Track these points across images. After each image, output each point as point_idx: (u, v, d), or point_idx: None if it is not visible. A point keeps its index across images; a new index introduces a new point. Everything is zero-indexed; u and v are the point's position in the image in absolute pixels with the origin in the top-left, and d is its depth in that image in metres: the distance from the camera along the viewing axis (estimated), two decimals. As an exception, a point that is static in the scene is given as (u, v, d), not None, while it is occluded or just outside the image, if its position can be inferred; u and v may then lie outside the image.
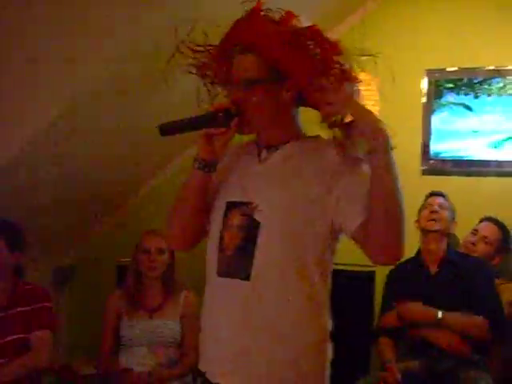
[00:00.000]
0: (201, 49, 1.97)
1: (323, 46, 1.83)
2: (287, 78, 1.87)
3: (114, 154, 3.81)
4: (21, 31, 2.87)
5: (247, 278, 1.84)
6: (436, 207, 3.51)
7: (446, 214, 3.52)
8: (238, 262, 1.87)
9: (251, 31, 1.86)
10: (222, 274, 1.91)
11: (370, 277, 3.89)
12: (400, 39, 4.14)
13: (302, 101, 1.94)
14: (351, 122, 1.77)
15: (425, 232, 3.54)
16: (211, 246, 1.97)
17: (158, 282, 3.56)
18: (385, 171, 1.74)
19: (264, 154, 1.96)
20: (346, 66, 1.83)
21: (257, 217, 1.87)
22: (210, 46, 1.98)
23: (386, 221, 1.75)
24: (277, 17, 1.89)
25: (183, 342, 3.51)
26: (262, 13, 1.89)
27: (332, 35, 4.24)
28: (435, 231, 3.49)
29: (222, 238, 1.92)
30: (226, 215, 1.93)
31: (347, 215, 1.83)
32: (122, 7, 2.83)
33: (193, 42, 1.96)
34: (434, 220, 3.49)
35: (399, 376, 3.18)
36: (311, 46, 1.82)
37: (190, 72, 1.99)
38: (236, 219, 1.90)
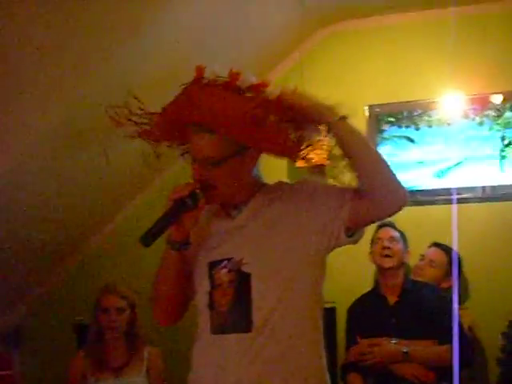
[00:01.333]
0: (140, 119, 1.94)
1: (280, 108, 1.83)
2: (249, 148, 1.88)
3: (61, 205, 3.77)
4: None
5: (249, 329, 1.84)
6: (386, 242, 3.55)
7: (398, 246, 3.57)
8: (235, 316, 1.87)
9: (203, 110, 1.82)
10: (216, 331, 1.90)
11: (330, 313, 3.90)
12: (340, 77, 4.25)
13: None
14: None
15: (378, 267, 3.60)
16: (201, 306, 1.96)
17: (121, 339, 3.51)
18: (348, 133, 1.81)
19: (234, 211, 1.97)
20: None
21: (244, 269, 1.87)
22: (152, 113, 1.95)
23: (375, 167, 1.81)
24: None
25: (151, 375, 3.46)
26: (206, 80, 1.85)
27: (268, 79, 4.36)
28: (390, 267, 3.54)
29: (211, 297, 1.92)
30: (210, 276, 1.93)
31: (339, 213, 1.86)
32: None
33: (130, 110, 1.92)
34: (387, 256, 3.54)
35: None
36: (270, 113, 1.82)
37: (133, 137, 1.97)
38: (224, 276, 1.90)
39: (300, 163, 3.82)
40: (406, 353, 3.28)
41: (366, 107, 4.13)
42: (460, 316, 3.43)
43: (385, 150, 4.08)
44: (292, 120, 1.83)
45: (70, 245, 4.38)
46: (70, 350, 3.78)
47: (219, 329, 1.90)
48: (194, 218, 1.90)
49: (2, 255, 3.77)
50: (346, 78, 4.22)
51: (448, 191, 3.96)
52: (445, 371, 3.27)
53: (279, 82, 4.28)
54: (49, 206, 3.72)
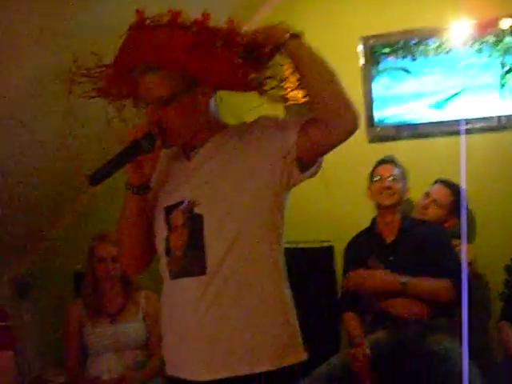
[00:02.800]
0: (93, 73, 1.92)
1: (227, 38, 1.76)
2: (200, 82, 1.84)
3: (55, 156, 3.72)
4: None
5: (202, 272, 1.82)
6: (388, 181, 3.47)
7: (399, 185, 3.49)
8: (189, 259, 1.85)
9: (146, 49, 1.79)
10: (174, 275, 1.89)
11: (327, 252, 3.87)
12: (331, 10, 4.09)
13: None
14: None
15: (378, 205, 3.52)
16: (160, 252, 1.94)
17: (117, 285, 3.52)
18: (300, 50, 1.74)
19: (191, 153, 1.94)
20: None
21: (197, 210, 1.84)
22: (103, 66, 1.92)
23: (325, 85, 1.74)
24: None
25: (150, 341, 3.48)
26: (148, 21, 1.80)
27: (261, 13, 4.23)
28: (389, 205, 3.47)
29: (168, 242, 1.90)
30: (167, 220, 1.91)
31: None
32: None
33: (83, 68, 1.90)
34: (387, 195, 3.46)
35: (368, 351, 3.16)
36: (216, 41, 1.75)
37: (92, 96, 1.94)
38: (178, 219, 1.88)
39: (292, 101, 3.75)
40: (404, 283, 3.23)
41: (360, 39, 3.97)
42: (459, 251, 3.39)
43: (381, 82, 3.96)
44: (245, 52, 1.75)
45: (68, 197, 4.36)
46: (71, 299, 3.78)
47: (176, 273, 1.88)
48: (152, 161, 1.87)
49: (6, 209, 3.77)
50: (337, 10, 4.08)
51: (445, 123, 3.86)
52: (441, 306, 3.25)
53: (269, 18, 4.16)
54: (46, 157, 3.69)
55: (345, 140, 1.77)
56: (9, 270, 4.41)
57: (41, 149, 3.55)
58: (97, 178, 1.77)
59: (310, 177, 1.87)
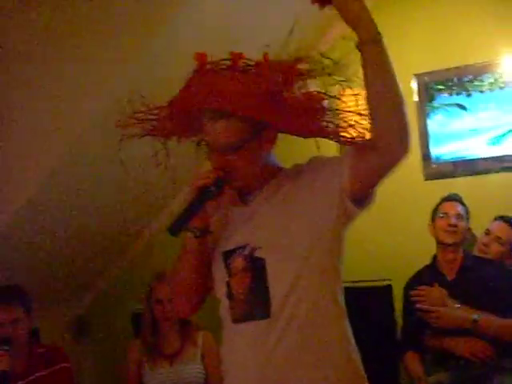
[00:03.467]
0: (148, 116, 1.94)
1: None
2: (265, 127, 1.83)
3: (114, 199, 3.80)
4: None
5: (266, 316, 1.82)
6: (454, 220, 3.41)
7: (463, 223, 3.43)
8: (253, 303, 1.85)
9: (215, 94, 1.78)
10: (237, 320, 1.89)
11: (386, 291, 3.82)
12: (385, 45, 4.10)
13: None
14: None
15: (440, 242, 3.47)
16: (220, 296, 1.94)
17: (175, 326, 3.52)
18: (375, 56, 1.71)
19: (248, 198, 1.94)
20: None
21: (258, 254, 1.85)
22: (158, 107, 1.94)
23: (393, 104, 1.70)
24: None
25: (208, 382, 3.46)
26: (210, 65, 1.81)
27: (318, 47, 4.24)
28: (452, 244, 3.42)
29: (229, 286, 1.90)
30: (226, 265, 1.91)
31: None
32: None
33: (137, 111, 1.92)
34: (452, 232, 3.41)
35: None
36: (280, 86, 1.76)
37: (142, 136, 1.97)
38: (239, 264, 1.88)
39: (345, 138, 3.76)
40: (475, 321, 3.15)
41: (414, 76, 3.98)
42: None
43: (436, 119, 3.95)
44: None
45: (127, 236, 4.42)
46: (129, 339, 3.80)
47: (239, 318, 1.87)
48: (216, 205, 1.88)
49: (66, 249, 3.83)
50: (391, 47, 4.06)
51: (503, 159, 3.81)
52: (506, 347, 3.16)
53: (325, 52, 4.18)
54: (105, 200, 3.77)
55: (395, 163, 1.73)
56: (68, 309, 4.46)
57: (102, 187, 3.62)
58: (175, 228, 1.80)
59: (364, 209, 1.85)
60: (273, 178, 1.93)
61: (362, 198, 1.83)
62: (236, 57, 1.79)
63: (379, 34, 1.71)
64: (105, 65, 2.97)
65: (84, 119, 3.12)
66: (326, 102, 1.81)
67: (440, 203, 3.53)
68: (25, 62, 3.05)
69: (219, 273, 1.93)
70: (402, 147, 1.72)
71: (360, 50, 1.71)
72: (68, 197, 3.48)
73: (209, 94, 1.79)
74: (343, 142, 1.82)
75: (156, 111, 1.94)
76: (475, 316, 3.16)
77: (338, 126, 1.81)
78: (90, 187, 3.56)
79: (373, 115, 1.72)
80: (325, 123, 1.81)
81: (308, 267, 1.82)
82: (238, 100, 1.75)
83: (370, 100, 1.71)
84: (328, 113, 1.81)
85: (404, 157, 1.72)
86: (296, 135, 1.94)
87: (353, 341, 1.90)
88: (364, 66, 1.71)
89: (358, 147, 1.77)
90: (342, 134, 1.84)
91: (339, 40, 4.14)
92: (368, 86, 1.70)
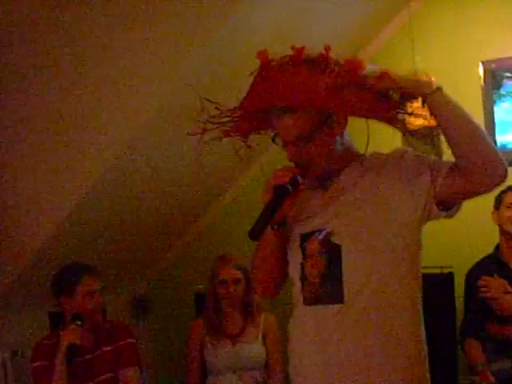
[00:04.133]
0: (220, 119, 1.95)
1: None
2: (333, 113, 1.85)
3: (181, 176, 3.87)
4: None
5: (340, 301, 1.84)
6: None
7: None
8: (326, 288, 1.87)
9: (281, 92, 1.80)
10: (309, 302, 1.91)
11: (448, 278, 3.80)
12: (451, 34, 4.08)
13: None
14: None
15: (505, 232, 3.44)
16: (293, 277, 1.97)
17: (238, 307, 3.58)
18: (443, 105, 1.73)
19: (327, 183, 1.95)
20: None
21: (335, 240, 1.86)
22: (231, 110, 1.95)
23: (472, 140, 1.72)
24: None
25: (269, 363, 3.51)
26: (273, 62, 1.83)
27: (379, 41, 4.24)
28: None
29: (303, 268, 1.93)
30: (302, 247, 1.93)
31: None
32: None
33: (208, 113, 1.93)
34: None
35: (493, 379, 3.08)
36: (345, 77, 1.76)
37: (221, 138, 1.98)
38: (314, 247, 1.90)
39: (412, 126, 3.74)
40: None
41: (481, 63, 3.93)
42: None
43: (503, 107, 3.91)
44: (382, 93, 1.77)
45: (190, 217, 4.49)
46: (190, 318, 3.88)
47: (311, 300, 1.90)
48: (294, 201, 1.89)
49: (129, 230, 3.93)
50: (458, 34, 4.06)
51: None
52: None
53: (388, 42, 4.18)
54: (165, 182, 3.84)
55: (490, 191, 1.76)
56: (130, 288, 4.56)
57: (165, 170, 3.70)
58: (256, 233, 1.82)
59: (449, 217, 1.87)
60: (351, 163, 1.93)
61: (448, 204, 1.83)
62: (299, 50, 1.81)
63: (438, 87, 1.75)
64: (168, 56, 3.04)
65: (148, 108, 3.18)
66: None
67: (505, 192, 3.48)
68: (92, 50, 3.14)
69: (295, 254, 1.96)
70: (495, 176, 1.73)
71: (427, 105, 1.74)
72: (131, 181, 3.56)
73: (275, 91, 1.81)
74: (410, 131, 1.84)
75: (228, 113, 1.96)
76: None
77: (406, 112, 1.82)
78: (154, 170, 3.64)
79: (455, 151, 1.74)
80: (393, 112, 1.81)
81: (386, 261, 1.83)
82: (304, 94, 1.77)
83: (450, 141, 1.74)
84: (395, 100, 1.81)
85: (499, 182, 1.74)
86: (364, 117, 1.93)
87: (424, 342, 1.89)
88: (435, 116, 1.75)
89: (455, 165, 1.77)
90: (407, 123, 1.85)
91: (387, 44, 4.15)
92: (445, 130, 1.75)
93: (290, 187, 1.84)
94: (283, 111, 1.83)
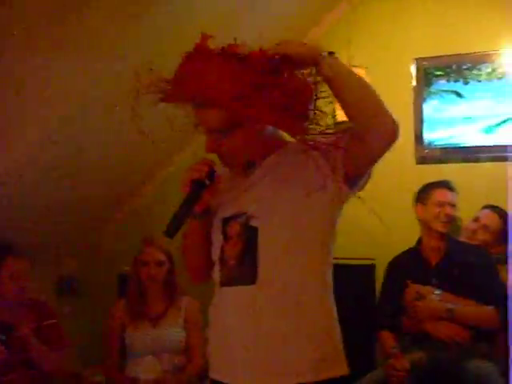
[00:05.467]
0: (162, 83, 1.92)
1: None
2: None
3: (108, 155, 3.82)
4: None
5: (253, 281, 1.86)
6: (449, 210, 3.45)
7: (456, 213, 3.49)
8: (241, 269, 1.90)
9: (199, 88, 1.77)
10: (224, 283, 1.94)
11: (369, 270, 3.87)
12: (388, 30, 4.13)
13: None
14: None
15: (430, 229, 3.50)
16: (214, 260, 2.00)
17: (160, 289, 3.57)
18: (336, 67, 1.75)
19: (249, 169, 1.98)
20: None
21: (253, 223, 1.89)
22: (165, 80, 1.92)
23: (364, 100, 1.76)
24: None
25: (188, 348, 3.52)
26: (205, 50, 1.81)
27: (315, 33, 4.26)
28: (444, 233, 3.47)
29: (223, 251, 1.95)
30: (224, 231, 1.96)
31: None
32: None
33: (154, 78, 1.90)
34: (446, 223, 3.45)
35: (407, 364, 3.15)
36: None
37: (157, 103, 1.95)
38: (234, 230, 1.93)
39: (341, 118, 3.78)
40: (451, 310, 3.23)
41: (414, 60, 4.00)
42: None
43: (432, 104, 3.98)
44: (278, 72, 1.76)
45: (116, 200, 4.46)
46: (114, 299, 3.85)
47: (227, 281, 1.93)
48: (213, 192, 1.92)
49: (57, 209, 3.85)
50: (393, 31, 4.11)
51: (494, 149, 3.85)
52: (482, 332, 3.23)
53: (325, 36, 4.20)
54: (93, 162, 3.78)
55: (385, 150, 1.79)
56: (55, 267, 4.48)
57: (96, 150, 3.65)
58: (172, 230, 1.83)
59: (359, 190, 1.91)
60: (276, 151, 1.96)
61: (356, 179, 1.87)
62: (231, 46, 1.79)
63: (331, 52, 1.78)
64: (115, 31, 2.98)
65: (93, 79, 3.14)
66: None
67: (431, 188, 3.54)
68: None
69: (216, 237, 1.99)
70: (388, 132, 1.77)
71: (321, 72, 1.76)
72: (62, 158, 3.49)
73: (195, 85, 1.79)
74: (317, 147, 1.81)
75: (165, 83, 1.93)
76: (450, 306, 3.24)
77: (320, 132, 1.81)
78: (82, 149, 3.57)
79: (349, 113, 1.77)
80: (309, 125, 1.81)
81: (298, 240, 1.87)
82: (223, 91, 1.74)
83: (341, 102, 1.76)
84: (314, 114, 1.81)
85: (392, 139, 1.76)
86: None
87: (336, 318, 1.94)
88: (327, 81, 1.76)
89: (351, 134, 1.80)
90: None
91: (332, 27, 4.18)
92: (335, 92, 1.76)
93: (206, 181, 1.86)
94: (201, 105, 1.82)
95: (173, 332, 3.49)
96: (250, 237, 1.89)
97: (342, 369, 1.93)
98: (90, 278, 4.59)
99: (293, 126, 1.79)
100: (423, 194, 3.54)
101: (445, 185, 3.52)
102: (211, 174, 1.88)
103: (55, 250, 4.19)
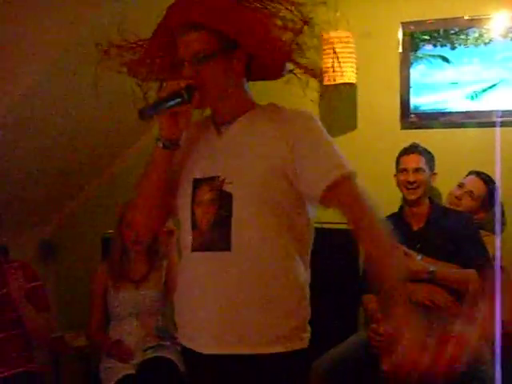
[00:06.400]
0: (131, 45, 1.98)
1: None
2: (236, 48, 1.89)
3: (90, 118, 3.76)
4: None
5: (227, 248, 1.86)
6: (412, 175, 3.45)
7: (423, 176, 3.47)
8: (215, 235, 1.88)
9: (194, 8, 1.84)
10: (197, 248, 1.92)
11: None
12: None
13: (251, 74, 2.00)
14: None
15: (404, 197, 3.52)
16: (184, 224, 1.97)
17: (143, 253, 3.56)
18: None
19: (222, 128, 1.97)
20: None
21: (226, 189, 1.88)
22: (141, 40, 1.99)
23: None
24: None
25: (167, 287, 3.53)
26: None
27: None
28: (414, 200, 3.47)
29: (193, 215, 1.93)
30: (194, 193, 1.94)
31: (310, 184, 1.88)
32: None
33: (121, 40, 1.96)
34: (411, 189, 3.45)
35: (388, 328, 3.16)
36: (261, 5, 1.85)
37: (121, 71, 2.00)
38: (206, 195, 1.91)
39: (328, 81, 3.75)
40: (432, 272, 3.23)
41: (400, 25, 3.96)
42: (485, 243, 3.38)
43: (419, 69, 3.95)
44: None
45: (99, 161, 4.41)
46: (98, 262, 3.83)
47: (199, 247, 1.91)
48: (187, 117, 1.90)
49: (35, 172, 3.81)
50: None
51: (480, 114, 3.84)
52: (463, 295, 3.25)
53: (312, 1, 4.13)
54: (76, 124, 3.73)
55: None
56: (35, 231, 4.47)
57: (75, 111, 3.58)
58: (145, 113, 1.83)
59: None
60: (247, 112, 1.97)
61: None
62: None
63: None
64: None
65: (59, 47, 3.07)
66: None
67: (400, 155, 3.56)
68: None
69: (184, 198, 1.96)
70: None
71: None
72: (40, 119, 3.44)
73: (185, 8, 1.85)
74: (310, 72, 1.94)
75: (137, 45, 1.97)
76: (432, 268, 3.24)
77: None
78: (62, 111, 3.52)
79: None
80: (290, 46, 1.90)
81: (266, 210, 1.87)
82: (207, 12, 1.82)
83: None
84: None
85: None
86: (264, 64, 1.98)
87: (307, 288, 1.96)
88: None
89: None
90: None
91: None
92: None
93: (184, 93, 1.84)
94: (188, 29, 1.85)
95: (154, 294, 3.49)
96: (223, 203, 1.87)
97: (302, 342, 1.94)
98: (73, 241, 4.57)
99: (278, 49, 1.87)
100: (396, 163, 3.57)
101: (409, 150, 3.53)
102: (190, 91, 1.85)
103: (36, 213, 4.17)
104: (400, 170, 3.53)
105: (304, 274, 1.95)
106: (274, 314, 1.87)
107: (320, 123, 1.95)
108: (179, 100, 1.83)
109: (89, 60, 3.14)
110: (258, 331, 1.86)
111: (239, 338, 1.86)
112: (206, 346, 1.91)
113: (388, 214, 3.62)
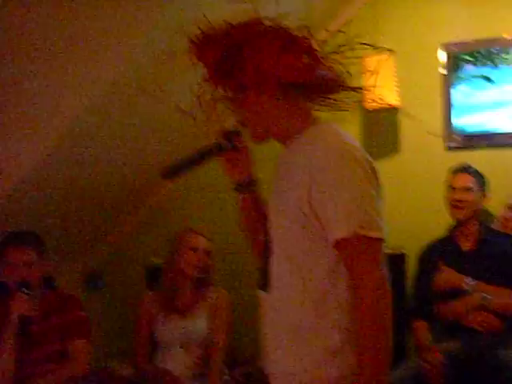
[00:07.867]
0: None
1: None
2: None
3: (138, 151, 3.80)
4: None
5: (266, 290, 1.84)
6: (459, 193, 3.41)
7: (471, 196, 3.41)
8: (261, 274, 1.88)
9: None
10: (258, 286, 1.92)
11: (399, 259, 3.81)
12: (414, 15, 4.06)
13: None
14: None
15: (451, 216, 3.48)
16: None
17: (192, 281, 3.55)
18: None
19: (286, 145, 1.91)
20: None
21: (270, 228, 1.85)
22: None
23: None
24: None
25: (213, 339, 3.50)
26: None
27: (342, 18, 4.20)
28: (461, 219, 3.42)
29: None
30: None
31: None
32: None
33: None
34: (458, 208, 3.41)
35: (441, 356, 3.11)
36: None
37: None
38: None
39: (370, 105, 3.73)
40: (485, 299, 3.19)
41: (442, 46, 3.93)
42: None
43: (461, 90, 3.90)
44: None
45: (142, 192, 4.41)
46: (141, 292, 3.83)
47: (258, 285, 1.90)
48: (243, 158, 1.90)
49: (81, 203, 3.83)
50: (420, 16, 4.04)
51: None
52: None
53: (352, 20, 4.14)
54: (119, 155, 3.74)
55: None
56: (80, 261, 4.49)
57: (120, 141, 3.61)
58: (169, 173, 1.82)
59: None
60: (301, 132, 1.83)
61: None
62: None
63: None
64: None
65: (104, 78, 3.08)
66: None
67: (450, 174, 3.52)
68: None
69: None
70: None
71: None
72: (86, 149, 3.47)
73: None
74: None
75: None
76: (485, 296, 3.20)
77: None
78: (108, 140, 3.55)
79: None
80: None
81: (301, 255, 1.75)
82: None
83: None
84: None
85: None
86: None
87: (350, 335, 1.74)
88: None
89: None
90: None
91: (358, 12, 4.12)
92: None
93: (223, 142, 1.84)
94: None
95: (200, 323, 3.47)
96: (268, 242, 1.84)
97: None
98: (117, 270, 4.59)
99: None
100: (446, 181, 3.52)
101: (458, 170, 3.48)
102: (230, 137, 1.84)
103: (82, 243, 4.20)
104: (448, 188, 3.48)
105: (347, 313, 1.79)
106: (294, 361, 1.79)
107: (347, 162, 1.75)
108: (215, 152, 1.85)
109: (134, 100, 3.22)
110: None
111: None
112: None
113: (435, 238, 3.58)
